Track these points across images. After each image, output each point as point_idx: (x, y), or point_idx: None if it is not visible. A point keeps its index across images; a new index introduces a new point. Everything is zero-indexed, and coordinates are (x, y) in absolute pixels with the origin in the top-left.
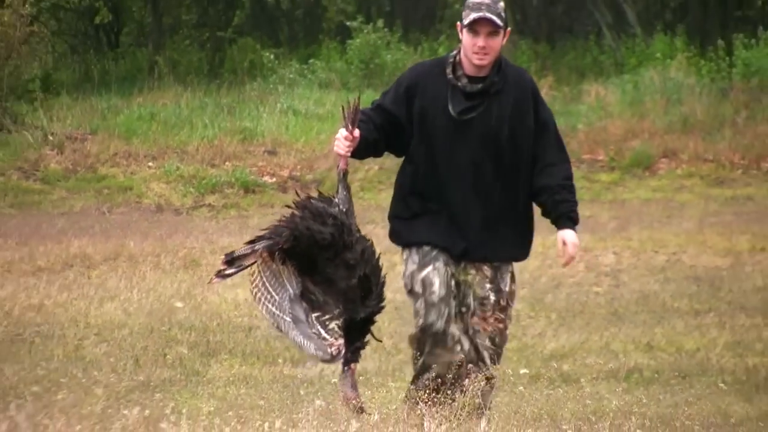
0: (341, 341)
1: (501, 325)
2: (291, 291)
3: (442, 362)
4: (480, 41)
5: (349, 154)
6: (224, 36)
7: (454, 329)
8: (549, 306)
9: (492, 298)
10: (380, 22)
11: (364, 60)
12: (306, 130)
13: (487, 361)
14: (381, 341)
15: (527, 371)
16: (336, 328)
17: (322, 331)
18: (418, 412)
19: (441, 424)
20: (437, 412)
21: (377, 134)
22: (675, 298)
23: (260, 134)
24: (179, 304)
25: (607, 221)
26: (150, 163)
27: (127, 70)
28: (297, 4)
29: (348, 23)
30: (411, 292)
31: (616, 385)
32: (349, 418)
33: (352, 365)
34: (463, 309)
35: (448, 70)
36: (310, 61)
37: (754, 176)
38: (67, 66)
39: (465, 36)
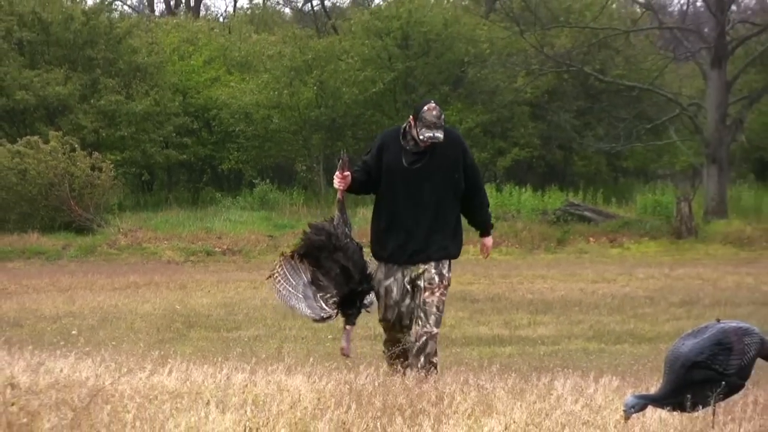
0: (335, 311)
1: (443, 297)
2: (305, 279)
3: (395, 339)
4: (427, 141)
5: (342, 188)
6: (199, 186)
7: (405, 320)
8: None
9: (436, 279)
10: (268, 181)
11: (261, 198)
12: (235, 229)
13: (432, 320)
14: (369, 311)
15: (331, 336)
16: (333, 303)
17: (324, 305)
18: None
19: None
20: (400, 366)
21: (366, 177)
22: None
23: (214, 230)
24: (177, 306)
25: None
26: (165, 242)
27: (156, 202)
28: (231, 172)
29: (254, 180)
30: (377, 293)
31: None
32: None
33: (348, 327)
34: (416, 289)
35: (401, 137)
36: (237, 197)
37: None
38: (129, 199)
39: (418, 133)
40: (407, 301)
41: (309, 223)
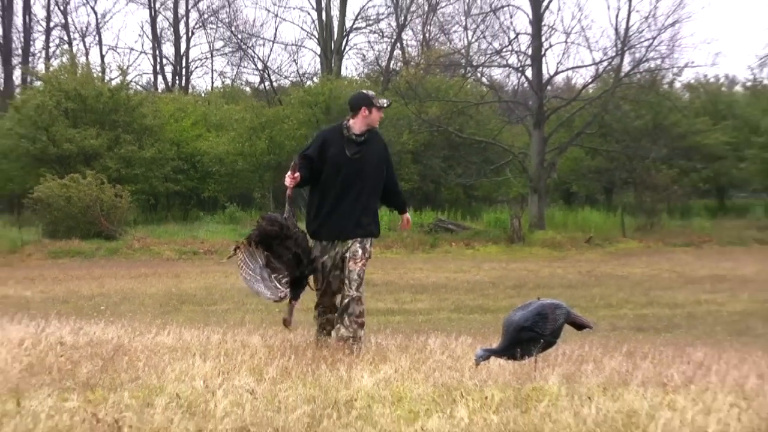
0: (287, 289)
1: (363, 267)
2: (261, 262)
3: (326, 303)
4: (382, 114)
5: (292, 186)
6: (188, 208)
7: (334, 287)
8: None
9: (359, 252)
10: (235, 204)
11: (230, 216)
12: (212, 236)
13: (354, 285)
14: (312, 288)
15: (278, 310)
16: (285, 282)
17: (278, 284)
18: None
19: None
20: (325, 332)
21: (309, 173)
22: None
23: (199, 237)
24: (173, 289)
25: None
26: (165, 245)
27: (159, 218)
28: (210, 199)
29: (225, 204)
30: (315, 268)
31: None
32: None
33: (293, 302)
34: (344, 261)
35: (344, 131)
36: (214, 215)
37: None
38: (141, 216)
39: (375, 112)
40: (337, 272)
41: (262, 215)
